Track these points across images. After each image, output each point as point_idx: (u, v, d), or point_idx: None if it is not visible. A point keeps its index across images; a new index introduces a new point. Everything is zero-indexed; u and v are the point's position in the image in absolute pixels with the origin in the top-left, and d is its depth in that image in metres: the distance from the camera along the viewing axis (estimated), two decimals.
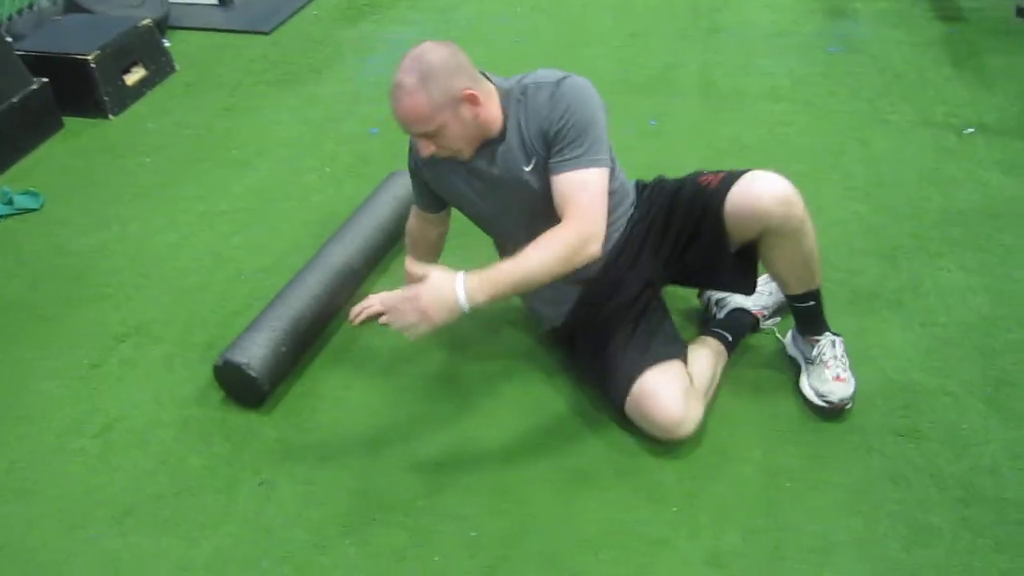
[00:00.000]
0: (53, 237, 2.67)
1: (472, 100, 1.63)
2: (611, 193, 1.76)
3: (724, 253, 1.82)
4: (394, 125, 1.69)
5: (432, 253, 2.12)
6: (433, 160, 1.79)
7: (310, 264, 2.24)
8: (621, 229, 1.87)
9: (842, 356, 1.89)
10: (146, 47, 3.49)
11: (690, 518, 1.69)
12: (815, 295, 1.88)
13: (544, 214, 1.70)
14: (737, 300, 2.06)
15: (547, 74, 1.72)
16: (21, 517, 1.79)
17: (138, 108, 3.39)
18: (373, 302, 2.15)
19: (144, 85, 3.46)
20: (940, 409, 1.87)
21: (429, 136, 1.65)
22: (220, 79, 3.58)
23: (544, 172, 1.71)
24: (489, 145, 1.73)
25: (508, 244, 1.88)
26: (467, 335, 2.16)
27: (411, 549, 1.67)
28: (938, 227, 2.42)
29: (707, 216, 1.77)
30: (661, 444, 1.80)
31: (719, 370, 1.94)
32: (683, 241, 1.84)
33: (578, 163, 1.65)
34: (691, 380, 1.82)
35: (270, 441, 1.93)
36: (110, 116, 3.30)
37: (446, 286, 1.52)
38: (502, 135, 1.72)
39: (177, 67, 3.65)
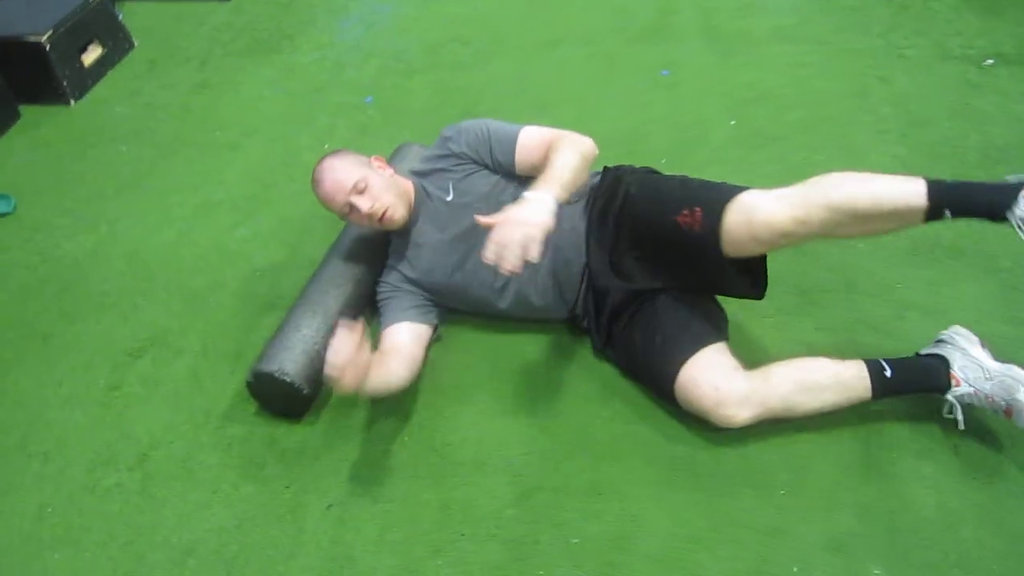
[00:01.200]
0: (33, 243, 2.43)
1: (380, 161, 1.91)
2: None
3: (728, 273, 1.70)
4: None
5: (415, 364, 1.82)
6: (410, 257, 1.91)
7: (331, 250, 2.06)
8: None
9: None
10: (101, 22, 3.19)
11: (799, 501, 1.59)
12: (934, 209, 1.61)
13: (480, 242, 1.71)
14: (952, 345, 1.68)
15: None
16: (65, 569, 1.61)
17: (100, 91, 3.11)
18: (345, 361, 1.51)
19: (103, 64, 3.17)
20: None
21: (360, 191, 1.80)
22: (185, 52, 3.30)
23: (461, 187, 1.87)
24: (422, 202, 1.91)
25: (483, 299, 1.92)
26: (531, 329, 2.01)
27: (510, 564, 1.54)
28: (982, 166, 2.33)
29: (703, 261, 1.67)
30: (757, 427, 1.68)
31: (827, 398, 1.65)
32: (676, 274, 1.77)
33: (515, 134, 1.84)
34: (740, 364, 1.68)
35: (327, 456, 1.76)
36: (71, 102, 3.02)
37: (530, 203, 1.58)
38: (420, 190, 1.92)
39: (136, 42, 3.36)
